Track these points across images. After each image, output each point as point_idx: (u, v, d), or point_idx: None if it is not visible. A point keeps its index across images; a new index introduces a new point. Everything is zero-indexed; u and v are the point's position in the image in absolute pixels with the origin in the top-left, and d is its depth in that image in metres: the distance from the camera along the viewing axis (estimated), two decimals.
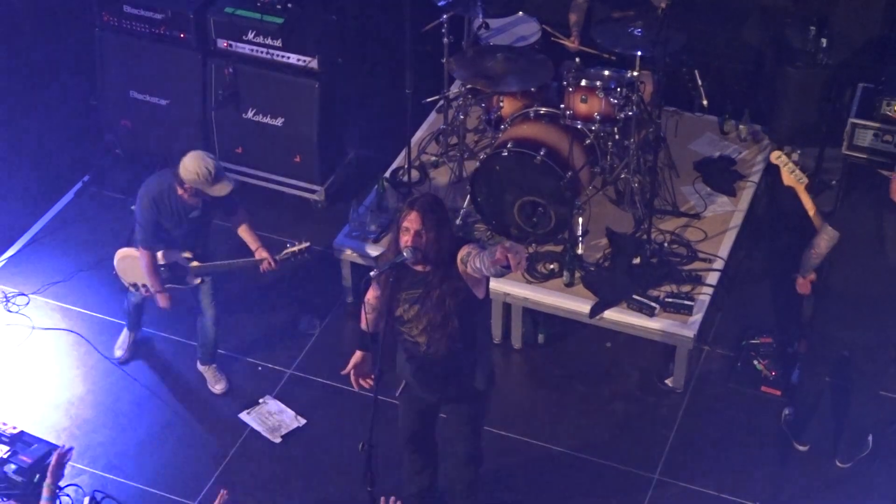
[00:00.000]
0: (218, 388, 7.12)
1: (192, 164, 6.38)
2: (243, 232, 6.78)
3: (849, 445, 6.60)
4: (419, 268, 5.40)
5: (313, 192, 8.26)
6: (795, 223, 7.73)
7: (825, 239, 6.15)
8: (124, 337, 7.34)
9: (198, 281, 6.82)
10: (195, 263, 6.74)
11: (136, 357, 7.28)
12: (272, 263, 6.69)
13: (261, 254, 6.71)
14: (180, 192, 6.47)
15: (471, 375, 5.64)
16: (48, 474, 5.51)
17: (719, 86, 8.25)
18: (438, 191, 7.70)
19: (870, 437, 6.64)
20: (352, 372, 5.82)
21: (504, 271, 5.11)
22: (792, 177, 6.39)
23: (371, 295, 5.69)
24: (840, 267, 6.19)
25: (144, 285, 6.85)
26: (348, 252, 7.50)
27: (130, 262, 6.85)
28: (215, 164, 6.42)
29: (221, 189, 6.47)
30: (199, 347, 7.13)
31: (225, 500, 5.45)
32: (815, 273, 6.38)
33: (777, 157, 6.45)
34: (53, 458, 5.54)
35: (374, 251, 7.32)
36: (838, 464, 6.62)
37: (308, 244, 6.73)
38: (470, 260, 5.24)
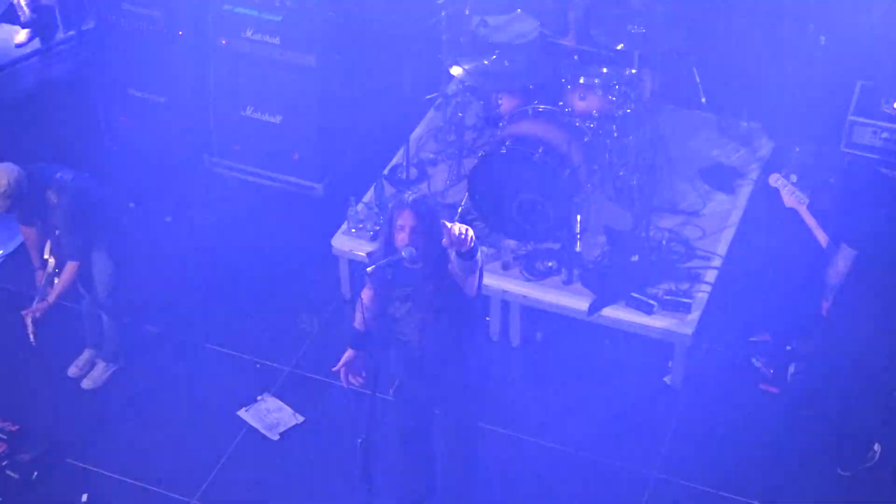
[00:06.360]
0: (72, 369, 7.14)
1: None
2: (64, 270, 6.70)
3: (852, 454, 6.55)
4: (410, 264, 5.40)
5: (311, 189, 8.25)
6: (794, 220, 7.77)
7: (842, 259, 6.13)
8: (84, 356, 7.25)
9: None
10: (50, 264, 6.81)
11: (134, 354, 7.26)
12: (26, 314, 6.65)
13: (41, 303, 6.67)
14: None
15: (462, 374, 5.64)
16: None
17: (718, 83, 8.24)
18: (436, 188, 7.71)
19: (877, 446, 6.57)
20: (342, 369, 5.82)
21: (468, 270, 5.16)
22: (793, 198, 6.38)
23: (365, 294, 5.70)
24: (861, 274, 6.15)
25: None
26: (346, 249, 7.50)
27: None
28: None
29: None
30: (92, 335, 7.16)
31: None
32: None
33: (776, 179, 6.42)
34: None
35: (371, 248, 7.31)
36: (839, 472, 6.56)
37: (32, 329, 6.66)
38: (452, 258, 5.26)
